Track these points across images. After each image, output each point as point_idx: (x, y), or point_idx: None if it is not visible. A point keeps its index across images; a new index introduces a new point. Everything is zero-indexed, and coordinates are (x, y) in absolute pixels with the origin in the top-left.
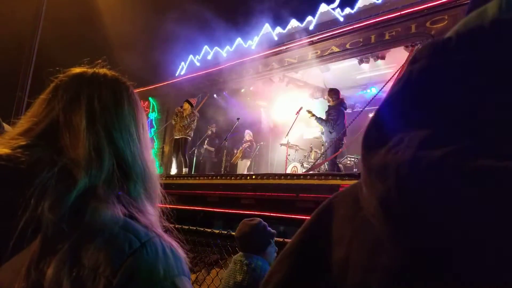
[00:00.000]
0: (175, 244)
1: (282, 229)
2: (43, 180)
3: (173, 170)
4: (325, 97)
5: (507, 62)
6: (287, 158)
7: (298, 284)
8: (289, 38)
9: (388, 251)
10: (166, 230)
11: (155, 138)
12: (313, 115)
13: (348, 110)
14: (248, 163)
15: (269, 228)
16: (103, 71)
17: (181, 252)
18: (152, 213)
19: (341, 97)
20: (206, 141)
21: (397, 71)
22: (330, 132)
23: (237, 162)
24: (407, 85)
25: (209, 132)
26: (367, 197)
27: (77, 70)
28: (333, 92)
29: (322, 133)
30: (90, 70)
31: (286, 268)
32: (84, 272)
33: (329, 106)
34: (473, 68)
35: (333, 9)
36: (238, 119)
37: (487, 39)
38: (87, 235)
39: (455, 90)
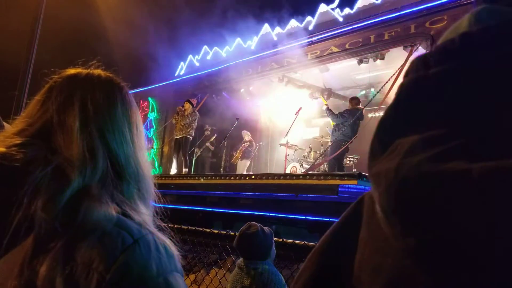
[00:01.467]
0: (168, 241)
1: (274, 228)
2: (36, 178)
3: (173, 170)
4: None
5: (474, 71)
6: (286, 158)
7: (325, 284)
8: (288, 38)
9: (393, 252)
10: (160, 229)
11: (154, 138)
12: (327, 104)
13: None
14: (248, 163)
15: (266, 230)
16: (97, 72)
17: (174, 249)
18: (145, 212)
19: (359, 106)
20: (210, 139)
21: (397, 71)
22: (336, 131)
23: (236, 163)
24: (400, 97)
25: (207, 133)
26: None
27: (71, 71)
28: (353, 99)
29: (332, 133)
30: (85, 71)
31: (315, 268)
32: (77, 269)
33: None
34: (448, 79)
35: (333, 9)
36: (237, 119)
37: (457, 52)
38: (81, 233)
39: (436, 100)
